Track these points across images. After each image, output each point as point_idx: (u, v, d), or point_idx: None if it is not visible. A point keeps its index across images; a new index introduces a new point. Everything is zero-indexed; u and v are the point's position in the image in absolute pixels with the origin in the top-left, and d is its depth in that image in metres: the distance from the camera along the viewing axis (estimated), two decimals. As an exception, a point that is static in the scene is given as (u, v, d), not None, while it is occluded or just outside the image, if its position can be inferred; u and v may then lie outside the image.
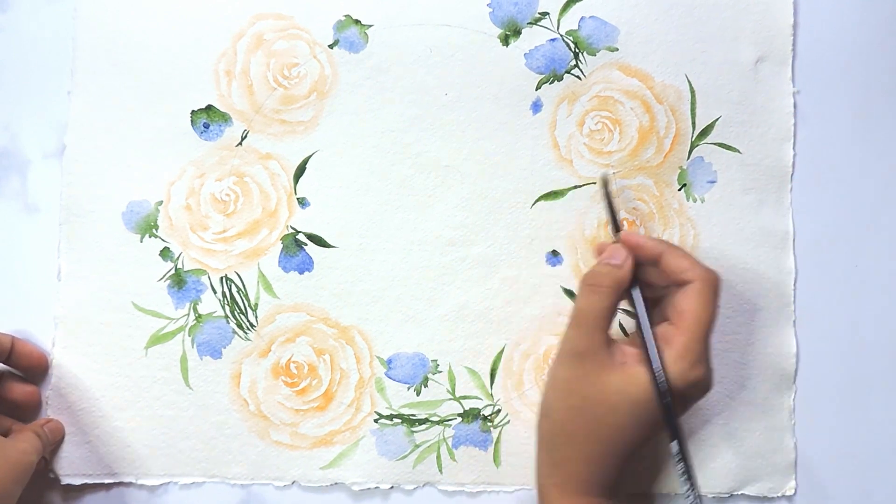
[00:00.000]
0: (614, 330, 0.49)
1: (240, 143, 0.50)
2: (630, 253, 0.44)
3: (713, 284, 0.42)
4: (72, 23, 0.50)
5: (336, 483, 0.49)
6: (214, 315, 0.50)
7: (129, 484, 0.49)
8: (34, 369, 0.49)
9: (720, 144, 0.51)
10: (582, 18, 0.51)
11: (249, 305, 0.50)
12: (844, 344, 0.51)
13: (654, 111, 0.51)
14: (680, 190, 0.51)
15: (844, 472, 0.50)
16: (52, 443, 0.48)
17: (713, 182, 0.51)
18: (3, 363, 0.48)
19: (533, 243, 0.50)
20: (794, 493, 0.50)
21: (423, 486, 0.49)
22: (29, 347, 0.48)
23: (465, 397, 0.50)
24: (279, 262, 0.50)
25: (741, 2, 0.51)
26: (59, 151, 0.50)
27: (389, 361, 0.50)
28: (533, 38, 0.51)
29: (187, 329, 0.49)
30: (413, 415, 0.49)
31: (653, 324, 0.43)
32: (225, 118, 0.50)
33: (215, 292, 0.50)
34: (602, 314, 0.42)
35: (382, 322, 0.50)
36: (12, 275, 0.50)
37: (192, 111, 0.50)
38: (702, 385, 0.41)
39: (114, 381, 0.49)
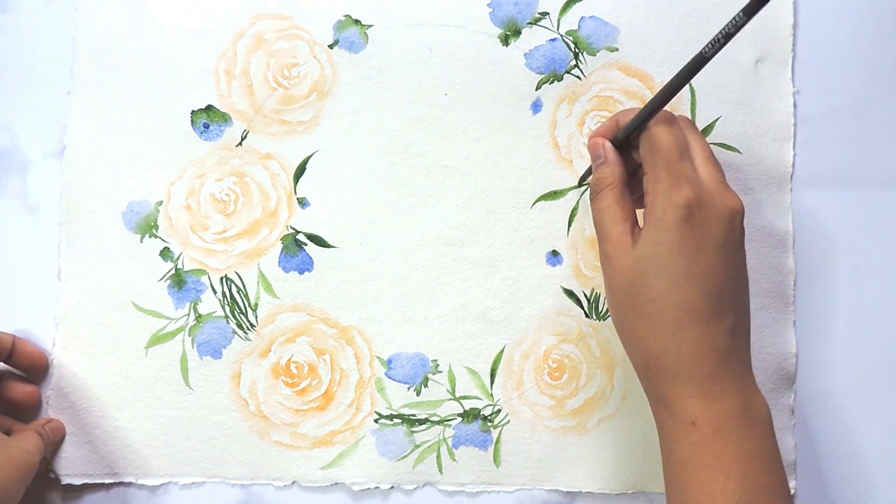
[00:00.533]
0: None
1: (240, 144, 0.50)
2: (605, 142, 0.43)
3: (661, 120, 0.41)
4: (72, 23, 0.50)
5: (336, 483, 0.49)
6: (214, 315, 0.50)
7: (130, 484, 0.49)
8: (35, 369, 0.49)
9: (720, 144, 0.51)
10: (582, 18, 0.51)
11: (249, 305, 0.50)
12: (844, 344, 0.51)
13: (653, 111, 0.51)
14: (680, 190, 0.51)
15: (844, 472, 0.50)
16: (54, 442, 0.48)
17: (713, 182, 0.51)
18: (4, 363, 0.48)
19: (533, 243, 0.50)
20: (794, 494, 0.50)
21: (424, 486, 0.49)
22: (30, 347, 0.49)
23: (465, 397, 0.50)
24: (279, 262, 0.50)
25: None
26: (59, 151, 0.50)
27: (389, 361, 0.50)
28: (533, 38, 0.51)
29: (187, 329, 0.49)
30: (413, 415, 0.50)
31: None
32: (225, 118, 0.50)
33: (215, 292, 0.50)
34: (608, 210, 0.41)
35: (382, 322, 0.50)
36: (12, 275, 0.50)
37: (192, 111, 0.50)
38: (698, 203, 0.39)
39: (114, 380, 0.49)
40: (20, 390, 0.48)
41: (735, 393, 0.38)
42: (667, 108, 0.41)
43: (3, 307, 0.50)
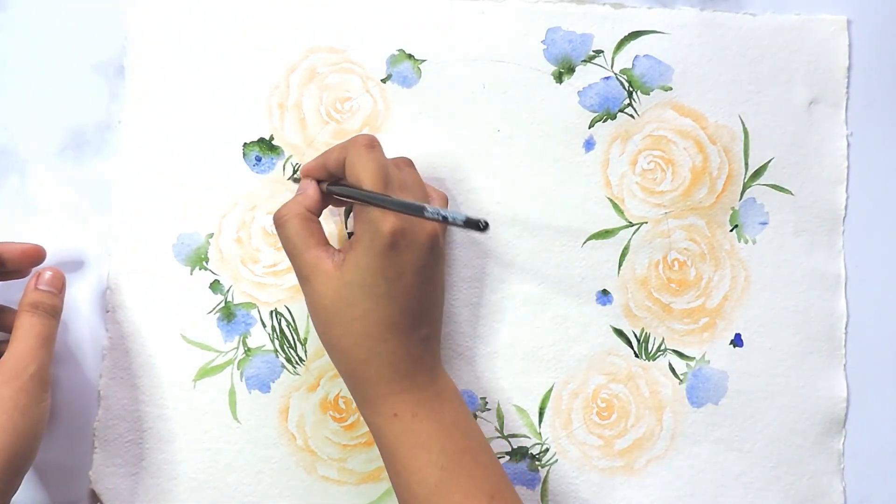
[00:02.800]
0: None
1: (292, 177, 0.50)
2: (312, 180, 0.46)
3: (361, 147, 0.43)
4: (123, 51, 0.50)
5: (383, 519, 0.49)
6: (263, 349, 0.50)
7: (176, 517, 0.49)
8: (29, 259, 0.47)
9: (773, 186, 0.51)
10: (636, 57, 0.51)
11: (299, 340, 0.50)
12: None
13: (707, 151, 0.50)
14: (732, 231, 0.50)
15: (892, 516, 0.50)
16: (57, 295, 0.47)
17: (765, 223, 0.51)
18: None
19: (583, 282, 0.50)
20: (842, 538, 0.50)
21: (470, 524, 0.49)
22: (16, 245, 0.47)
23: (513, 435, 0.50)
24: (329, 296, 0.50)
25: (794, 43, 0.51)
26: (58, 151, 0.50)
27: (438, 398, 0.50)
28: (587, 75, 0.51)
29: (236, 362, 0.49)
30: (461, 452, 0.49)
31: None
32: (277, 151, 0.50)
33: (265, 326, 0.50)
34: (298, 236, 0.43)
35: (432, 359, 0.50)
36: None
37: (244, 143, 0.50)
38: (403, 230, 0.42)
39: (161, 412, 0.49)
40: (15, 249, 0.47)
41: (427, 383, 0.44)
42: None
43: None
